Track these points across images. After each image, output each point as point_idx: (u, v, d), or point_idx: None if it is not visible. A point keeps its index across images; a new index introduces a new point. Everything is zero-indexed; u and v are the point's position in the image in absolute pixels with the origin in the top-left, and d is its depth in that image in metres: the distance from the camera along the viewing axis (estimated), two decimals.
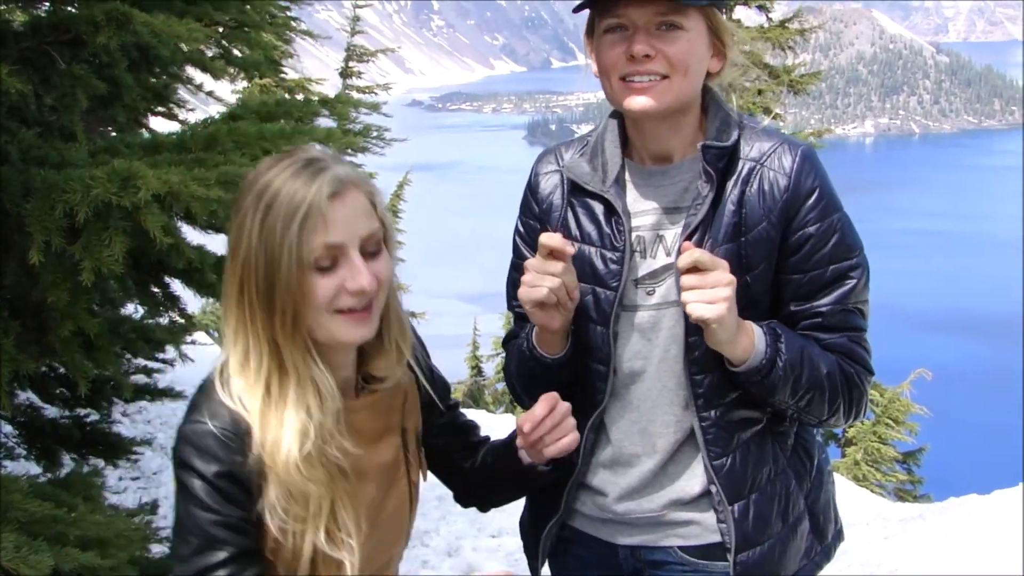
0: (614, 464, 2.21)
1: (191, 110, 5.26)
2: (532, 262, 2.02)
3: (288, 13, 7.88)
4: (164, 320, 4.01)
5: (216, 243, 3.44)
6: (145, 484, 6.62)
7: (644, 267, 2.12)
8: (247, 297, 1.73)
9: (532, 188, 2.29)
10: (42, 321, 2.93)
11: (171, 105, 5.17)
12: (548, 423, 1.94)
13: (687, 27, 2.00)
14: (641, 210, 2.13)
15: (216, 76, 4.75)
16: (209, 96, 5.60)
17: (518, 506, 2.46)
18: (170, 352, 4.54)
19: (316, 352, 1.77)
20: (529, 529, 2.41)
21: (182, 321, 4.01)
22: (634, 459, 2.18)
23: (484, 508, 2.29)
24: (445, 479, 2.23)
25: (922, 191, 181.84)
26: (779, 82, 16.48)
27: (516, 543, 2.49)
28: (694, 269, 1.91)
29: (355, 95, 16.16)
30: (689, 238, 2.04)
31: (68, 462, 4.18)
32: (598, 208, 2.15)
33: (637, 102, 2.01)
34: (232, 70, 5.12)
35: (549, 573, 2.46)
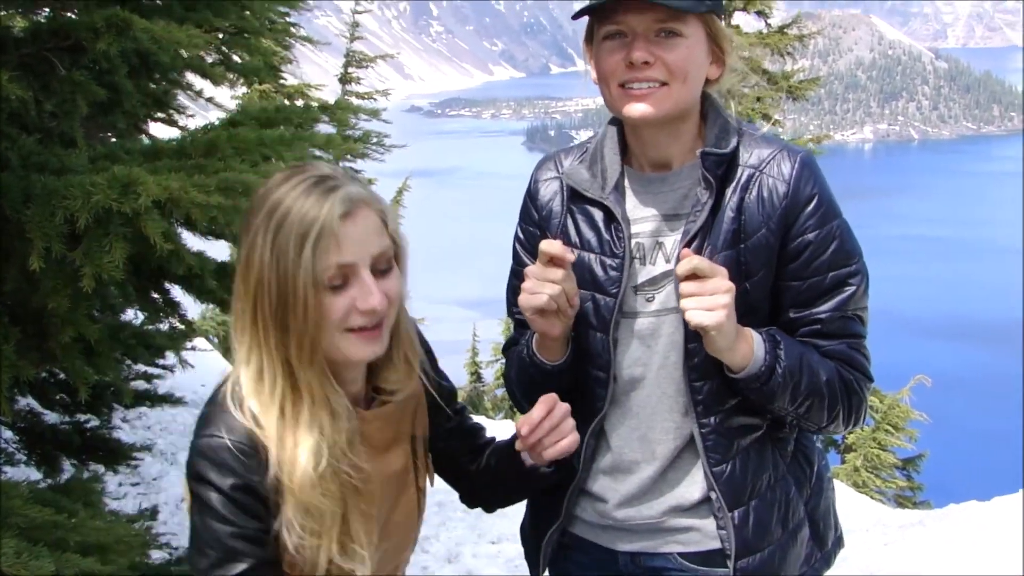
0: (614, 471, 2.21)
1: (191, 116, 5.26)
2: (532, 269, 2.02)
3: (288, 19, 7.88)
4: (164, 326, 4.02)
5: (216, 249, 3.45)
6: (145, 490, 6.62)
7: (643, 274, 2.12)
8: (261, 317, 1.73)
9: (532, 195, 2.30)
10: (42, 327, 2.94)
11: (171, 111, 5.17)
12: (546, 425, 1.94)
13: (686, 34, 2.00)
14: (640, 217, 2.14)
15: (216, 82, 4.75)
16: (208, 102, 5.59)
17: (518, 512, 2.46)
18: (170, 358, 4.54)
19: (329, 370, 1.78)
20: (530, 535, 2.41)
21: (182, 327, 4.01)
22: (634, 466, 2.19)
23: (489, 509, 2.30)
24: (451, 481, 2.24)
25: (921, 197, 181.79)
26: (778, 88, 16.51)
27: (516, 549, 2.49)
28: (693, 276, 1.92)
29: (354, 101, 16.19)
30: (688, 245, 2.04)
31: (68, 468, 4.18)
32: (597, 215, 2.16)
33: (636, 109, 2.02)
34: (232, 76, 5.12)
35: None
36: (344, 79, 18.69)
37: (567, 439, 1.97)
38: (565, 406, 1.97)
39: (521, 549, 2.47)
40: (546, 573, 2.42)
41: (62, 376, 3.87)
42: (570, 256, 1.99)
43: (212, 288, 3.38)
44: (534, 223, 2.28)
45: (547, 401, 1.96)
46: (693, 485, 2.16)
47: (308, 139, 3.59)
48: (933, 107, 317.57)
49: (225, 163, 3.12)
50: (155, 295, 3.53)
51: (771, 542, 2.15)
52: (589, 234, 2.16)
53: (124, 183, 2.59)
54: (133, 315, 4.34)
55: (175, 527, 5.86)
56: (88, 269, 2.59)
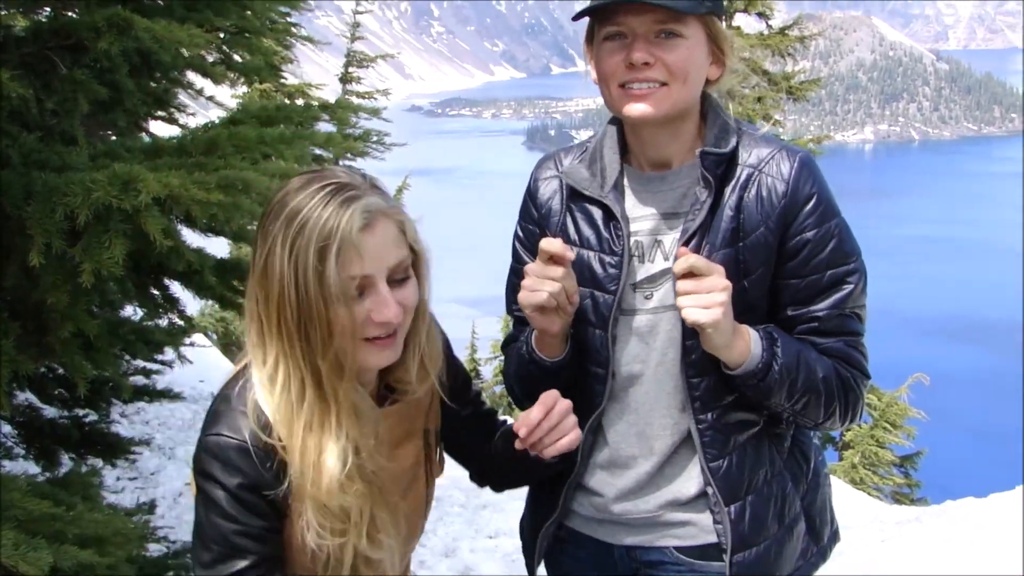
0: (611, 465, 2.22)
1: (191, 114, 5.27)
2: (532, 267, 2.04)
3: (288, 19, 7.88)
4: (163, 322, 4.03)
5: (215, 246, 3.46)
6: (143, 484, 6.64)
7: (642, 271, 2.13)
8: (285, 328, 1.72)
9: (531, 193, 2.31)
10: (42, 322, 2.95)
11: (172, 110, 5.18)
12: (545, 426, 1.93)
13: (686, 35, 2.01)
14: (640, 215, 2.15)
15: (216, 81, 4.77)
16: (209, 101, 5.61)
17: (516, 507, 2.48)
18: (169, 354, 4.56)
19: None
20: (527, 529, 2.43)
21: (181, 323, 4.02)
22: (631, 461, 2.20)
23: (498, 489, 2.31)
24: (461, 462, 2.25)
25: (921, 197, 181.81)
26: (778, 89, 16.52)
27: (513, 544, 2.51)
28: (690, 274, 1.93)
29: (355, 100, 16.20)
30: (687, 243, 2.05)
31: (67, 462, 4.20)
32: (597, 213, 2.17)
33: (636, 109, 2.03)
34: (233, 75, 5.14)
35: (546, 573, 2.48)
36: (345, 79, 18.70)
37: (567, 438, 1.96)
38: (566, 404, 1.96)
39: (518, 544, 2.49)
40: (542, 567, 2.44)
41: (61, 371, 3.88)
42: (570, 254, 2.00)
43: (211, 284, 3.39)
44: (534, 221, 2.30)
45: (546, 401, 1.95)
46: (690, 480, 2.17)
47: (308, 137, 3.60)
48: (934, 108, 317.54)
49: (225, 161, 3.13)
50: (154, 291, 3.53)
51: (767, 537, 2.17)
52: (588, 232, 2.18)
53: (124, 180, 2.60)
54: (132, 311, 4.36)
55: (172, 521, 5.88)
56: (88, 265, 2.60)
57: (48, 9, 3.60)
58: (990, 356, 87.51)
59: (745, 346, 2.00)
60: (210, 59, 4.79)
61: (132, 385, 4.18)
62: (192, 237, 3.39)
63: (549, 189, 2.27)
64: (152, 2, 3.73)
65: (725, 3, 2.33)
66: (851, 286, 2.09)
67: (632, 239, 2.13)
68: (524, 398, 2.30)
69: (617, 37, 2.03)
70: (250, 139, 3.30)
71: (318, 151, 4.12)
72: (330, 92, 16.56)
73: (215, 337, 13.78)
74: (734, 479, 2.14)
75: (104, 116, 3.93)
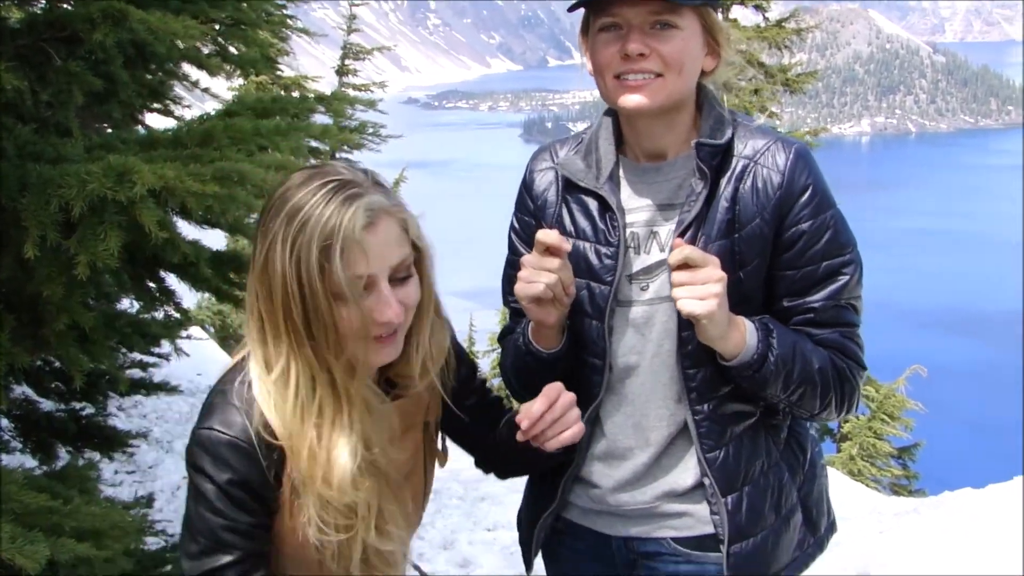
0: (608, 457, 2.23)
1: (187, 106, 5.26)
2: (528, 258, 2.03)
3: (284, 11, 7.86)
4: (159, 314, 4.02)
5: (211, 237, 3.45)
6: (141, 478, 6.64)
7: (638, 263, 2.13)
8: (292, 326, 1.71)
9: (527, 185, 2.31)
10: (37, 315, 2.94)
11: (167, 102, 5.17)
12: (547, 419, 1.93)
13: (681, 26, 2.01)
14: (635, 207, 2.15)
15: (212, 73, 4.75)
16: (205, 92, 5.59)
17: (514, 500, 2.49)
18: (165, 346, 4.55)
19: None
20: (525, 521, 2.43)
21: (177, 316, 4.02)
22: (628, 452, 2.20)
23: (502, 477, 2.32)
24: (467, 449, 2.24)
25: (918, 190, 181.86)
26: (775, 81, 16.51)
27: (511, 536, 2.51)
28: (685, 265, 1.93)
29: (351, 92, 16.17)
30: (682, 235, 2.05)
31: (64, 455, 4.20)
32: (592, 204, 2.17)
33: (631, 100, 2.03)
34: (228, 67, 5.11)
35: (543, 566, 2.48)
36: (341, 71, 18.66)
37: (570, 431, 1.95)
38: (569, 396, 1.95)
39: (516, 536, 2.49)
40: (539, 558, 2.44)
41: (58, 364, 3.88)
42: (566, 245, 2.00)
43: (207, 276, 3.38)
44: (529, 213, 2.29)
45: (549, 394, 1.94)
46: (686, 471, 2.18)
47: (304, 129, 3.59)
48: (931, 101, 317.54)
49: (221, 153, 3.12)
50: (150, 284, 3.53)
51: (764, 527, 2.17)
52: (584, 223, 2.17)
53: (119, 172, 2.59)
54: (129, 304, 4.35)
55: (171, 514, 5.88)
56: (83, 257, 2.59)
57: (43, 1, 3.59)
58: (987, 348, 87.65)
59: (740, 337, 2.00)
60: (205, 51, 4.77)
61: (129, 378, 4.17)
62: (188, 229, 3.38)
63: (545, 180, 2.27)
64: None
65: None
66: (847, 277, 2.09)
67: (628, 230, 2.13)
68: (521, 390, 2.30)
69: (612, 28, 2.02)
70: (246, 131, 3.29)
71: (314, 143, 4.10)
72: (326, 84, 16.53)
73: (212, 330, 13.78)
74: (731, 470, 2.14)
75: (99, 108, 3.91)
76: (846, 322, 2.12)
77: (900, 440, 16.16)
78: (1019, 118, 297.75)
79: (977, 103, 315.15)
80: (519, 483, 2.43)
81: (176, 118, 5.00)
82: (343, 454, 1.75)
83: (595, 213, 2.16)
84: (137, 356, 4.55)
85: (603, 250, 2.13)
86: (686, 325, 2.04)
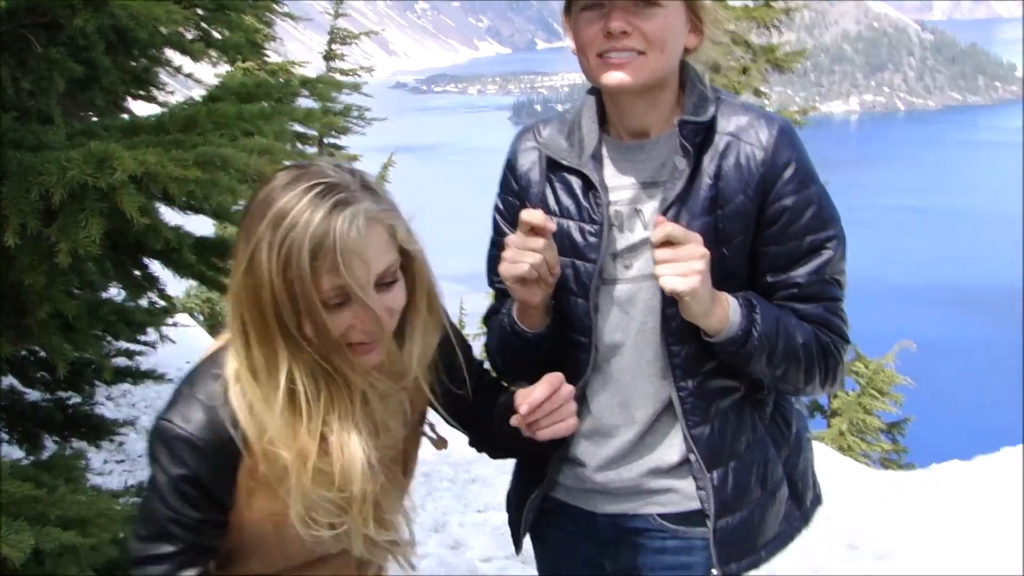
0: (594, 435, 2.22)
1: (171, 93, 5.23)
2: (513, 238, 2.03)
3: None
4: (144, 302, 4.00)
5: (194, 223, 3.43)
6: (130, 467, 6.62)
7: (622, 241, 2.13)
8: (282, 328, 1.68)
9: (511, 165, 2.30)
10: (20, 304, 2.92)
11: (151, 88, 5.14)
12: (546, 408, 1.92)
13: (663, 4, 2.00)
14: (619, 185, 2.14)
15: (195, 58, 4.72)
16: (189, 78, 5.56)
17: (504, 481, 2.48)
18: (152, 334, 4.53)
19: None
20: (514, 501, 2.44)
21: (162, 303, 4.00)
22: (614, 430, 2.20)
23: (494, 457, 2.31)
24: (461, 428, 2.22)
25: (907, 167, 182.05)
26: (764, 60, 16.51)
27: (502, 518, 2.51)
28: (668, 243, 1.92)
29: (339, 77, 16.13)
30: (666, 212, 2.05)
31: (51, 446, 4.19)
32: (576, 183, 2.16)
33: (614, 77, 2.02)
34: (213, 53, 5.08)
35: (531, 545, 2.49)
36: (328, 56, 18.62)
37: (564, 423, 1.95)
38: (570, 389, 1.95)
39: (507, 517, 2.49)
40: (528, 538, 2.45)
41: (43, 354, 3.86)
42: (551, 226, 1.99)
43: (191, 262, 3.37)
44: (513, 193, 2.29)
45: (552, 382, 1.93)
46: (672, 447, 2.18)
47: (288, 113, 3.57)
48: (919, 78, 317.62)
49: (204, 138, 3.10)
50: (133, 271, 3.51)
51: (750, 502, 2.18)
52: (568, 202, 2.17)
53: (100, 158, 2.58)
54: (116, 293, 4.33)
55: None
56: (64, 245, 2.58)
57: None
58: (976, 324, 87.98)
59: (724, 313, 2.00)
60: (189, 36, 4.74)
61: (114, 366, 4.15)
62: (171, 215, 3.36)
63: (528, 160, 2.27)
64: None
65: None
66: (831, 252, 2.09)
67: (611, 208, 2.13)
68: (506, 369, 2.30)
69: (595, 7, 2.01)
70: (229, 116, 3.27)
71: (300, 128, 4.09)
72: (314, 70, 16.49)
73: (201, 318, 13.77)
74: (716, 445, 2.14)
75: (81, 95, 3.90)
76: (830, 296, 2.12)
77: (890, 415, 16.24)
78: (1007, 94, 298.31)
79: (965, 80, 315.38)
80: (509, 465, 2.44)
81: (160, 104, 4.98)
82: (356, 448, 1.75)
83: (579, 191, 2.15)
84: (123, 344, 4.53)
85: (587, 228, 2.13)
86: (670, 302, 2.04)
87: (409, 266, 1.80)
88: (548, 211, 2.13)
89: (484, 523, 5.97)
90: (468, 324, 21.43)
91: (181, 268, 3.40)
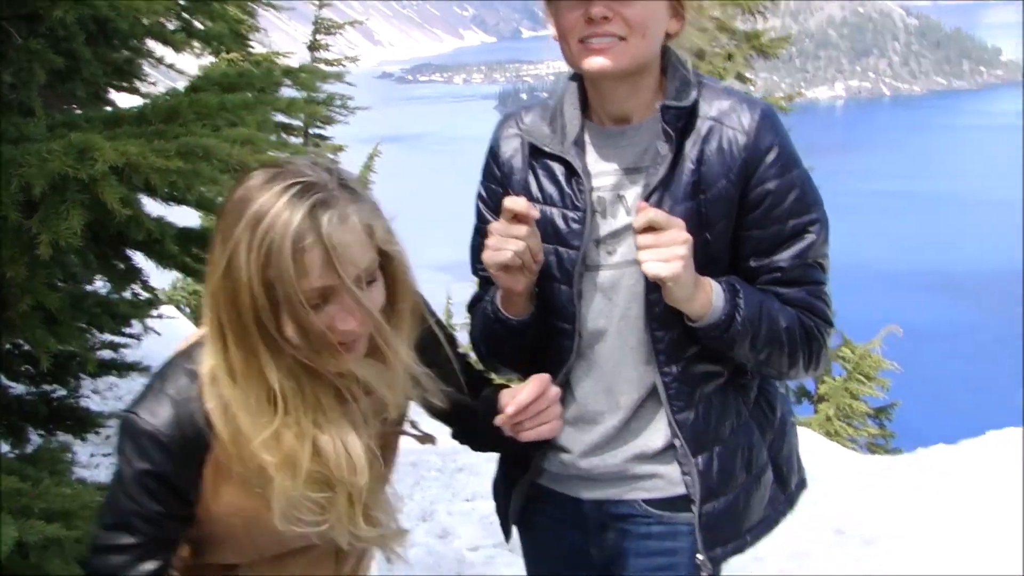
0: (579, 421, 2.23)
1: (152, 84, 5.20)
2: (496, 226, 2.02)
3: None
4: (128, 294, 3.98)
5: (177, 214, 3.42)
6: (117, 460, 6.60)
7: (605, 227, 2.13)
8: (262, 331, 1.66)
9: (493, 153, 2.30)
10: (2, 297, 2.91)
11: (135, 80, 5.11)
12: (532, 410, 1.92)
13: None
14: (601, 171, 2.14)
15: (177, 49, 4.70)
16: (171, 69, 5.53)
17: (492, 470, 2.49)
18: (137, 327, 4.51)
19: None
20: (500, 489, 2.44)
21: (146, 295, 3.98)
22: (598, 416, 2.21)
23: (476, 450, 2.31)
24: (445, 422, 2.22)
25: (893, 152, 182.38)
26: (749, 47, 16.51)
27: (489, 506, 2.51)
28: (650, 229, 1.92)
29: (323, 68, 16.07)
30: (648, 198, 2.05)
31: (36, 439, 4.17)
32: (558, 169, 2.16)
33: (595, 62, 2.01)
34: (196, 44, 5.05)
35: (518, 532, 2.49)
36: (313, 46, 18.55)
37: (549, 426, 1.95)
38: (556, 391, 1.94)
39: (495, 506, 2.49)
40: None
41: (27, 347, 3.84)
42: (534, 213, 1.99)
43: (173, 253, 3.35)
44: (496, 180, 2.29)
45: (540, 383, 1.92)
46: (656, 433, 2.18)
47: (270, 103, 3.56)
48: (904, 63, 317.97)
49: (186, 128, 3.09)
50: (116, 262, 3.49)
51: (735, 486, 2.19)
52: (551, 188, 2.17)
53: (80, 149, 2.56)
54: (102, 285, 4.30)
55: None
56: (45, 236, 2.57)
57: None
58: (963, 308, 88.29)
59: (707, 298, 2.01)
60: (171, 27, 4.71)
61: (98, 359, 4.13)
62: (154, 207, 3.35)
63: (511, 147, 2.26)
64: None
65: None
66: (813, 236, 2.09)
67: (594, 194, 2.13)
68: (489, 356, 2.31)
69: None
70: (211, 106, 3.25)
71: (283, 118, 4.07)
72: (298, 60, 16.39)
73: (188, 311, 13.72)
74: (701, 431, 2.15)
75: (62, 87, 3.87)
76: (813, 280, 2.12)
77: (876, 400, 16.32)
78: (992, 79, 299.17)
79: (950, 65, 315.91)
80: (496, 453, 2.44)
81: (143, 96, 4.95)
82: (341, 447, 1.75)
83: (561, 178, 2.15)
84: (108, 337, 4.51)
85: (570, 215, 2.13)
86: (653, 288, 2.04)
87: (388, 266, 1.77)
88: (531, 198, 2.13)
89: (472, 512, 5.98)
90: (455, 314, 21.42)
91: (164, 259, 3.39)
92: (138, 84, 5.21)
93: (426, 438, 2.09)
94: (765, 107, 2.12)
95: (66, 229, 2.56)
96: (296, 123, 14.35)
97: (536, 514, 2.39)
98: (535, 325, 2.18)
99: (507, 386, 2.16)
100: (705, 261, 2.03)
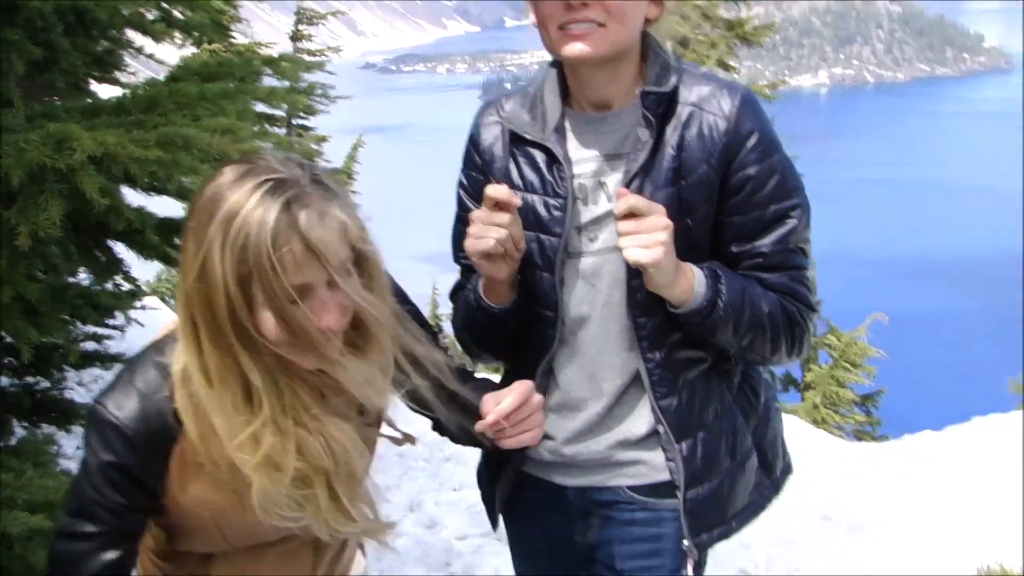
0: (562, 408, 2.23)
1: (133, 74, 5.17)
2: (478, 214, 2.02)
3: None
4: (111, 286, 3.96)
5: (157, 204, 3.40)
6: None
7: (586, 214, 2.13)
8: (238, 331, 1.63)
9: (474, 140, 2.30)
10: None
11: (115, 71, 5.07)
12: (514, 418, 1.91)
13: None
14: (582, 158, 2.14)
15: (157, 39, 4.67)
16: (151, 59, 5.49)
17: (477, 460, 2.48)
18: (121, 318, 4.48)
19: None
20: (485, 477, 2.44)
21: (129, 286, 3.96)
22: (582, 403, 2.21)
23: (457, 443, 2.29)
24: (425, 415, 2.21)
25: (877, 140, 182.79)
26: (733, 34, 16.52)
27: (477, 496, 2.51)
28: (631, 215, 1.92)
29: (305, 58, 16.01)
30: (629, 184, 2.04)
31: (20, 431, 4.16)
32: (539, 156, 2.16)
33: (574, 49, 2.01)
34: (177, 34, 5.02)
35: (503, 520, 2.49)
36: (295, 36, 18.48)
37: (530, 433, 1.94)
38: (539, 399, 1.93)
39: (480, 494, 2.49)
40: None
41: (9, 340, 3.82)
42: (516, 201, 1.99)
43: (154, 243, 3.33)
44: (477, 168, 2.28)
45: (522, 392, 1.91)
46: (640, 419, 2.18)
47: (250, 92, 3.54)
48: (887, 51, 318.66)
49: (166, 118, 3.07)
50: (97, 253, 3.47)
51: (719, 472, 2.19)
52: (532, 176, 2.16)
53: (58, 139, 2.55)
54: (85, 278, 4.28)
55: None
56: (24, 227, 2.55)
57: None
58: (947, 295, 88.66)
59: (689, 284, 2.00)
60: (150, 17, 4.68)
61: (81, 350, 4.11)
62: (135, 197, 3.33)
63: (491, 135, 2.26)
64: None
65: None
66: (795, 221, 2.09)
67: (575, 181, 2.12)
68: (473, 344, 2.31)
69: None
70: (191, 96, 3.23)
71: (265, 108, 4.05)
72: (281, 51, 16.35)
73: (172, 303, 13.67)
74: (684, 416, 2.15)
75: (40, 77, 3.84)
76: (795, 265, 2.12)
77: (863, 387, 16.38)
78: (975, 66, 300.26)
79: (933, 52, 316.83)
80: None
81: (124, 86, 4.92)
82: (334, 437, 1.74)
83: (542, 165, 2.15)
84: (91, 328, 4.49)
85: (551, 202, 2.12)
86: (635, 274, 2.04)
87: (363, 263, 1.74)
88: (512, 185, 2.13)
89: (459, 501, 5.99)
90: (441, 304, 21.41)
91: (145, 249, 3.37)
92: (119, 75, 5.18)
93: (406, 439, 2.07)
94: (745, 92, 2.11)
95: (45, 219, 2.54)
96: (279, 114, 14.33)
97: (521, 502, 2.39)
98: (517, 313, 2.18)
99: (490, 381, 2.16)
100: (686, 247, 2.03)
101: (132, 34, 4.86)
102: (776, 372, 16.09)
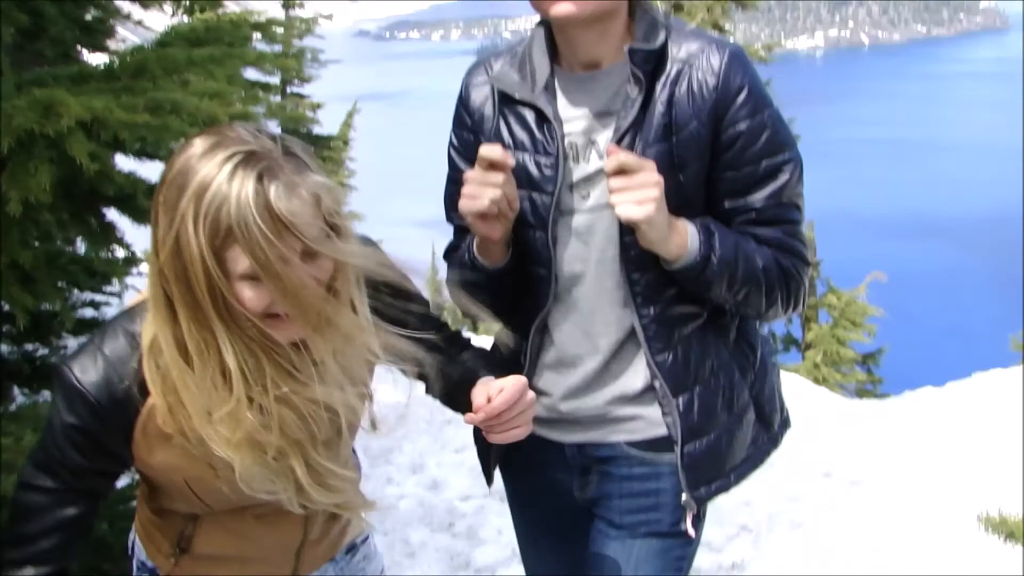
0: (558, 365, 2.23)
1: (122, 42, 5.14)
2: (471, 174, 2.01)
3: None
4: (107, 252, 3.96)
5: (147, 169, 3.38)
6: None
7: (578, 172, 2.12)
8: (216, 305, 1.60)
9: (463, 101, 2.28)
10: None
11: (105, 39, 5.05)
12: (503, 416, 1.88)
13: None
14: (572, 116, 2.12)
15: (145, 5, 4.65)
16: (139, 25, 5.46)
17: None
18: (118, 284, 4.48)
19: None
20: (480, 435, 2.44)
21: (124, 253, 3.96)
22: (577, 359, 2.21)
23: (452, 409, 2.29)
24: (419, 379, 2.19)
25: (874, 101, 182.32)
26: None
27: None
28: (622, 172, 1.92)
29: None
30: (620, 141, 2.03)
31: (20, 397, 4.18)
32: (529, 115, 2.14)
33: (561, 8, 1.99)
34: (169, 4, 4.98)
35: (501, 478, 2.50)
36: (288, 4, 18.37)
37: (520, 429, 1.91)
38: (532, 396, 1.90)
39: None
40: (498, 472, 2.46)
41: (7, 308, 3.83)
42: (510, 160, 1.98)
43: (146, 208, 3.32)
44: (467, 128, 2.27)
45: (515, 390, 1.86)
46: (636, 375, 2.19)
47: (239, 57, 3.51)
48: (883, 11, 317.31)
49: (155, 84, 3.06)
50: (91, 219, 3.46)
51: (717, 426, 2.19)
52: (522, 135, 2.15)
53: (46, 105, 2.53)
54: (80, 244, 4.27)
55: None
56: (14, 194, 2.54)
57: None
58: (946, 252, 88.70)
59: (682, 240, 2.00)
60: None
61: (78, 317, 4.11)
62: (125, 163, 3.31)
63: (480, 95, 2.25)
64: None
65: None
66: (787, 175, 2.08)
67: (566, 140, 2.11)
68: (468, 303, 2.29)
69: None
70: (179, 61, 3.21)
71: (259, 76, 4.02)
72: (270, 16, 16.25)
73: None
74: (680, 371, 2.15)
75: (30, 46, 3.82)
76: (788, 220, 2.12)
77: (864, 346, 16.43)
78: (971, 26, 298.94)
79: (929, 12, 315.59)
80: None
81: (112, 54, 4.89)
82: (312, 410, 1.72)
83: (532, 124, 2.14)
84: (88, 295, 4.48)
85: (542, 160, 2.12)
86: (628, 231, 2.04)
87: (337, 236, 1.68)
88: (503, 145, 2.11)
89: (461, 463, 6.02)
90: (441, 269, 21.42)
91: (137, 214, 3.35)
92: (109, 43, 5.16)
93: (374, 426, 2.04)
94: (734, 48, 2.10)
95: (35, 186, 2.54)
96: (273, 81, 14.26)
97: (518, 459, 2.40)
98: (512, 272, 2.17)
99: (484, 350, 2.16)
100: (679, 203, 2.02)
101: (120, 2, 4.84)
102: (777, 331, 16.14)
